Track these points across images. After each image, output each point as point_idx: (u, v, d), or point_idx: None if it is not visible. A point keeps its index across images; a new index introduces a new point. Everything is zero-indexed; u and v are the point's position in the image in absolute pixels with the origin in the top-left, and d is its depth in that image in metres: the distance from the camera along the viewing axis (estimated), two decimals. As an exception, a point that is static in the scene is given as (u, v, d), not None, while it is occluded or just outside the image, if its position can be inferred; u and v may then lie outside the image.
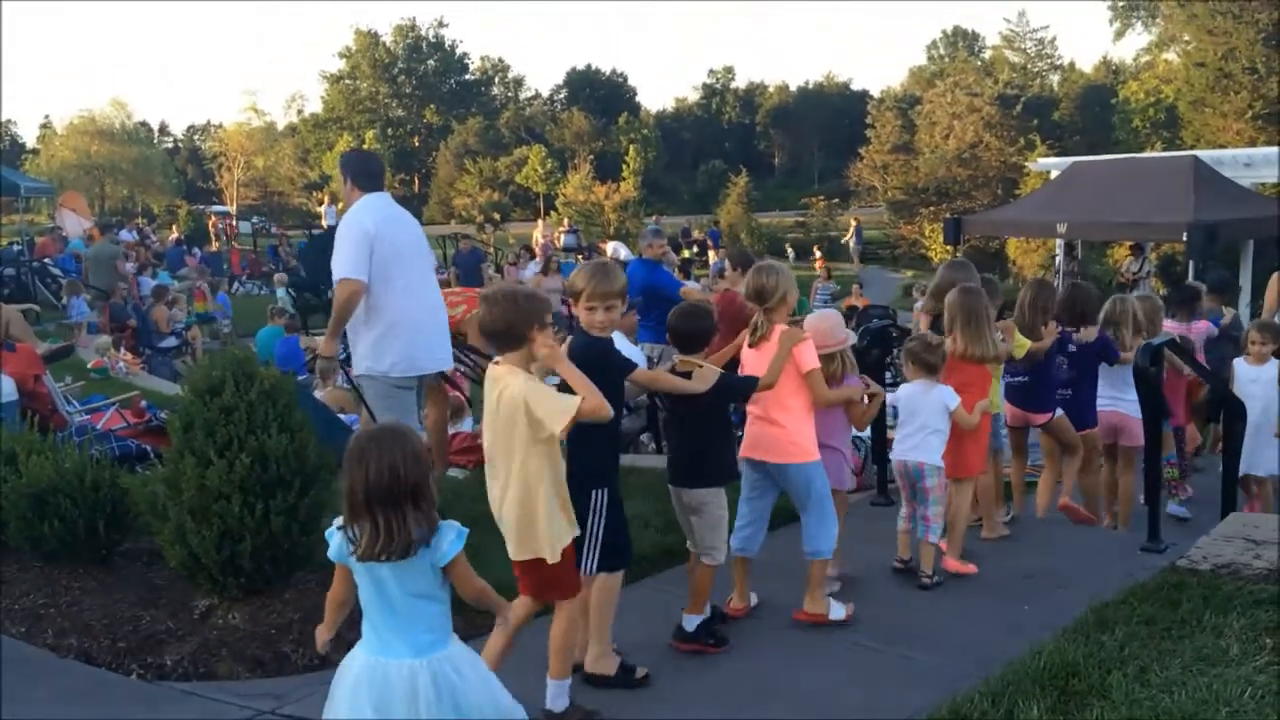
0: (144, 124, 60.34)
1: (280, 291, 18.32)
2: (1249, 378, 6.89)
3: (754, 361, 4.55)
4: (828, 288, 21.64)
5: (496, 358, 3.64)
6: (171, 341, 14.03)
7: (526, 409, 3.43)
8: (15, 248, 21.34)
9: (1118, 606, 4.33)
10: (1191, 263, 13.76)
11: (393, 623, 2.91)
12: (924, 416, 5.09)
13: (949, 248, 19.81)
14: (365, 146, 50.63)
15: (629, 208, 40.62)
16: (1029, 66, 55.08)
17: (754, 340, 4.57)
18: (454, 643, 2.99)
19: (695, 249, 32.43)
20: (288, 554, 4.60)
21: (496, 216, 45.13)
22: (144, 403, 8.14)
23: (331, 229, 15.10)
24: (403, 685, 2.87)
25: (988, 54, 58.57)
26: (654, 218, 34.08)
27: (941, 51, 64.13)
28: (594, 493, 3.85)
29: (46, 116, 67.99)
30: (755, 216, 42.45)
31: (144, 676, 4.22)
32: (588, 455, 3.84)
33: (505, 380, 3.53)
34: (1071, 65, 58.05)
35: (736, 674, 4.25)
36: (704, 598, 4.44)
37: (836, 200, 45.16)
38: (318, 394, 9.49)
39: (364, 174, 5.81)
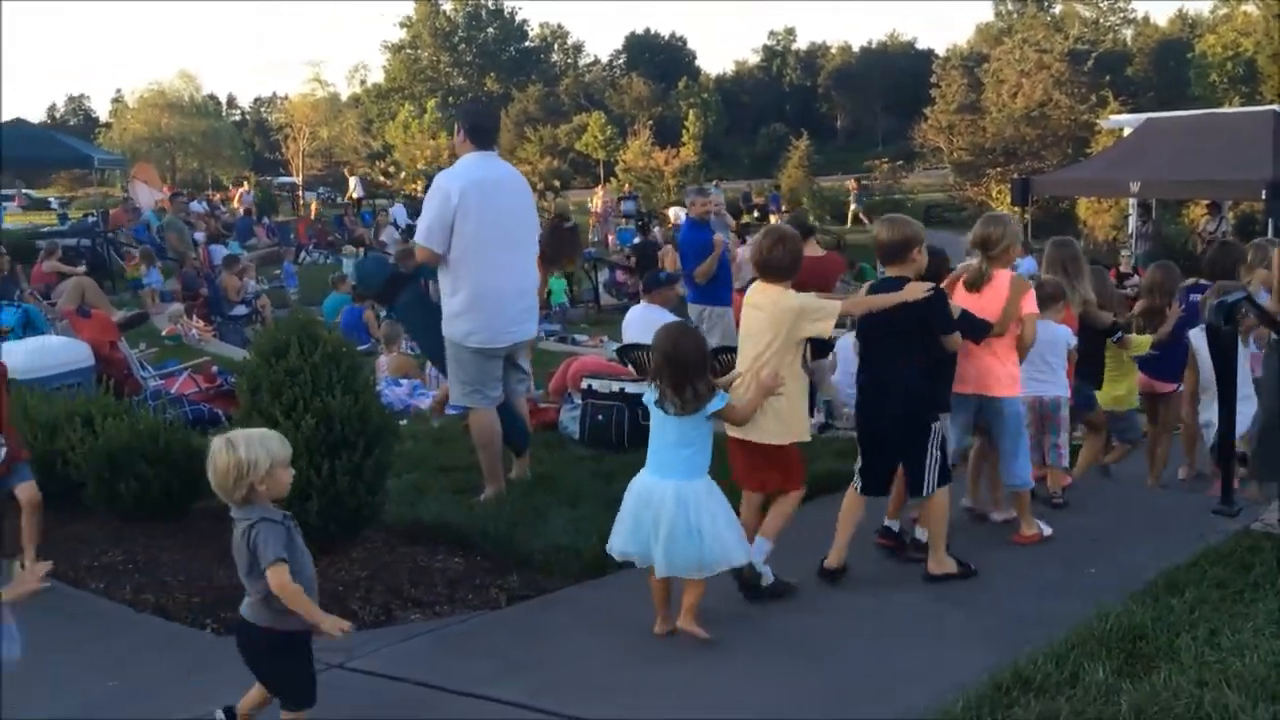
0: (212, 97, 61.42)
1: (346, 262, 18.49)
2: None
3: (973, 305, 4.86)
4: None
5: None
6: (241, 309, 14.30)
7: (800, 313, 4.37)
8: (90, 219, 21.91)
9: (1188, 569, 4.25)
10: (1271, 221, 13.33)
11: (666, 457, 4.11)
12: (1049, 353, 5.35)
13: (1016, 209, 19.40)
14: (427, 115, 50.93)
15: (689, 173, 40.33)
16: (1101, 21, 53.46)
17: (976, 285, 4.93)
18: (705, 478, 4.09)
19: (756, 213, 32.16)
20: (353, 513, 4.70)
21: (557, 184, 45.17)
22: (215, 368, 8.35)
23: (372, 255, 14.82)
24: (660, 496, 4.05)
25: (1058, 9, 56.84)
26: (714, 182, 33.85)
27: (1010, 7, 62.42)
28: (940, 419, 4.62)
29: (118, 90, 69.45)
30: (817, 180, 41.91)
31: (218, 630, 4.34)
32: (935, 386, 4.62)
33: (777, 293, 4.44)
34: (1145, 19, 56.40)
35: (798, 631, 4.25)
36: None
37: (900, 162, 44.34)
38: (381, 360, 9.64)
39: (476, 129, 5.62)
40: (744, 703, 3.69)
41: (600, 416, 6.86)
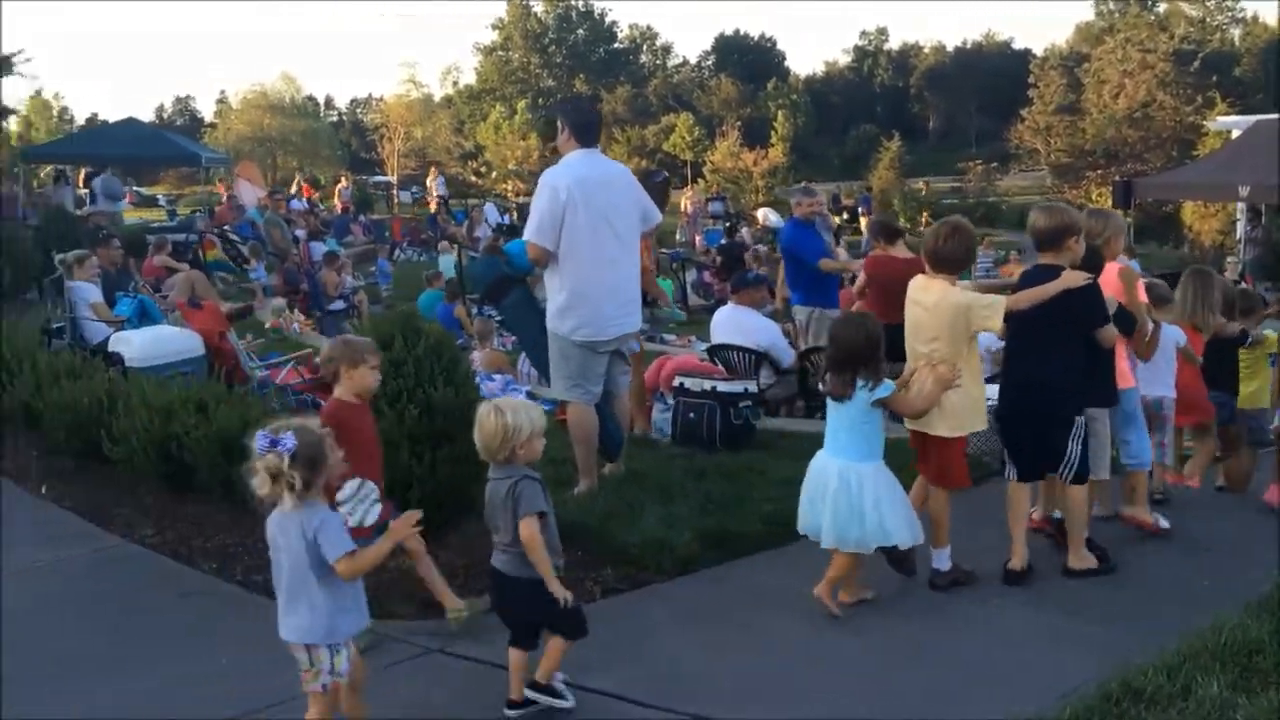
0: (311, 98, 62.98)
1: (443, 259, 18.72)
2: None
3: None
4: (988, 255, 20.83)
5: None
6: (339, 304, 14.65)
7: (967, 309, 4.44)
8: (197, 215, 22.68)
9: (1307, 583, 4.10)
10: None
11: (838, 439, 4.32)
12: (1157, 353, 5.31)
13: (1118, 212, 18.83)
14: (517, 116, 51.51)
15: (777, 174, 40.13)
16: (1208, 20, 51.63)
17: None
18: (875, 462, 4.28)
19: (845, 215, 31.79)
20: (454, 502, 4.79)
21: (644, 184, 45.28)
22: (317, 360, 8.56)
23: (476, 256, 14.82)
24: (828, 474, 4.30)
25: (1162, 8, 55.06)
26: (802, 184, 33.56)
27: (1111, 6, 60.69)
28: (1083, 413, 4.63)
29: (222, 91, 71.66)
30: (908, 181, 41.30)
31: (321, 612, 4.47)
32: (1084, 381, 4.62)
33: (941, 289, 4.54)
34: (1254, 18, 54.28)
35: (896, 634, 4.23)
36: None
37: (995, 164, 43.49)
38: (474, 355, 9.79)
39: (580, 126, 5.63)
40: (839, 703, 3.68)
41: (692, 415, 6.87)
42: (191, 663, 4.08)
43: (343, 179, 35.95)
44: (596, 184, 5.53)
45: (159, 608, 4.60)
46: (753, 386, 7.29)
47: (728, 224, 27.73)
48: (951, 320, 4.47)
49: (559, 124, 5.74)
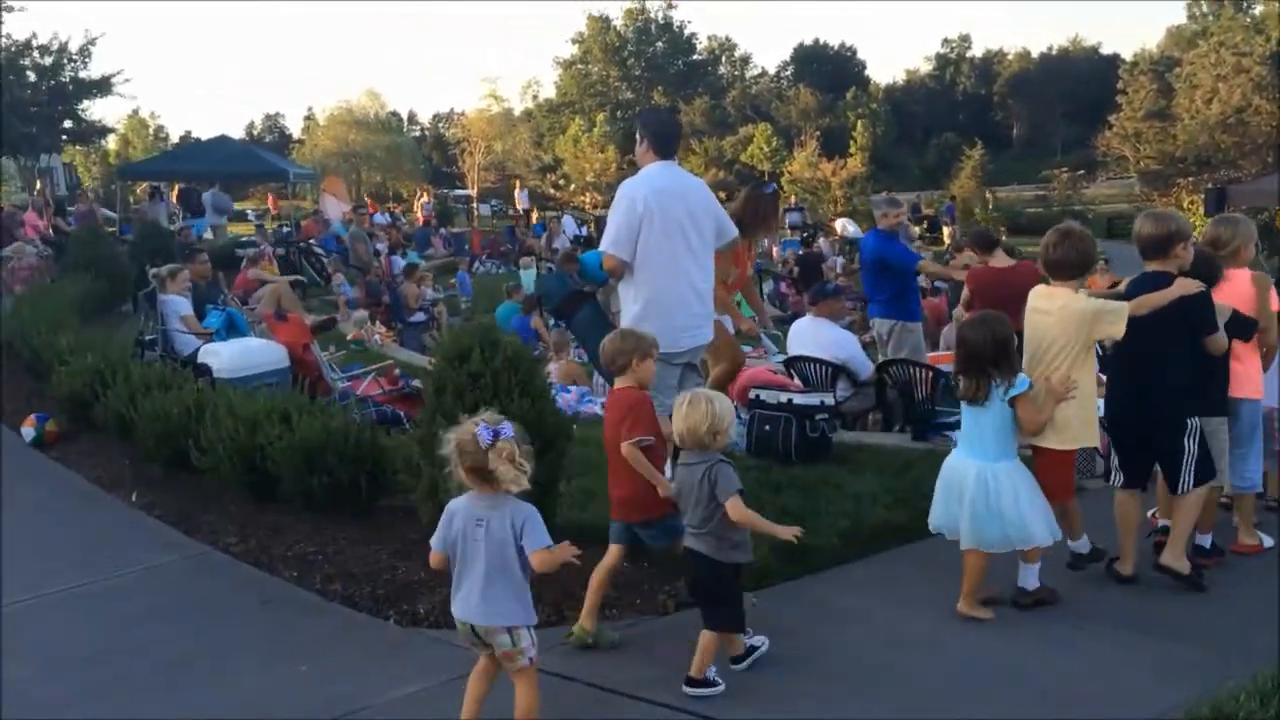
0: (395, 113, 64.28)
1: (523, 274, 18.92)
2: None
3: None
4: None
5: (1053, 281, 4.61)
6: (420, 316, 14.92)
7: (1096, 316, 4.43)
8: (285, 229, 23.29)
9: None
10: None
11: (972, 439, 4.38)
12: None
13: (1210, 220, 18.26)
14: (596, 129, 51.87)
15: (856, 184, 39.73)
16: (1308, 20, 49.78)
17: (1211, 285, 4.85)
18: (1010, 461, 4.32)
19: (925, 225, 31.36)
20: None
21: (722, 195, 45.23)
22: (397, 371, 8.73)
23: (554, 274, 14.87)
24: (964, 475, 4.34)
25: (1258, 9, 53.21)
26: (883, 194, 33.19)
27: (1204, 9, 58.87)
28: (1195, 417, 4.61)
29: (310, 109, 73.62)
30: (991, 190, 40.55)
31: (399, 622, 4.55)
32: (1196, 385, 4.61)
33: (1065, 296, 4.51)
34: (1360, 17, 52.06)
35: (978, 656, 4.14)
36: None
37: (1081, 172, 42.47)
38: (550, 367, 9.88)
39: (659, 137, 5.64)
40: (915, 723, 3.62)
41: (767, 427, 6.82)
42: (272, 670, 4.17)
43: (424, 193, 36.55)
44: (674, 196, 5.52)
45: (242, 615, 4.72)
46: (829, 399, 7.21)
47: (805, 235, 27.52)
48: (1077, 327, 4.46)
49: (638, 135, 5.76)
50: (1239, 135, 35.12)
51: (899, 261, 8.24)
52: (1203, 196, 20.29)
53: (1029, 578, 4.50)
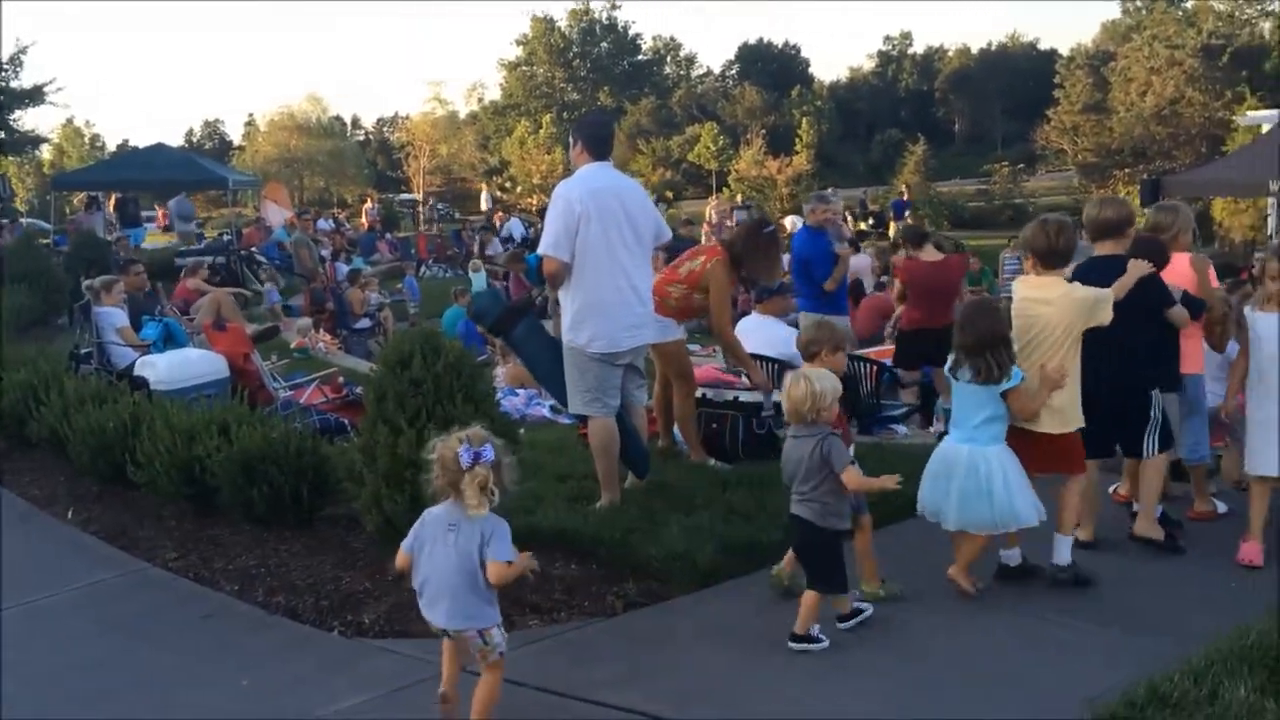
0: (338, 118, 63.57)
1: (475, 275, 18.72)
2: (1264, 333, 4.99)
3: None
4: (1016, 258, 20.62)
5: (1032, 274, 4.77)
6: (365, 323, 14.76)
7: (1095, 303, 4.53)
8: (225, 237, 22.93)
9: (1338, 586, 4.02)
10: None
11: (965, 423, 4.47)
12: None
13: (1146, 212, 18.64)
14: (542, 130, 51.72)
15: (802, 181, 39.98)
16: (1236, 14, 50.91)
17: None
18: (999, 446, 4.42)
19: (871, 221, 31.64)
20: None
21: (669, 195, 45.34)
22: (341, 379, 8.63)
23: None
24: (955, 458, 4.46)
25: (1190, 3, 54.47)
26: (829, 190, 33.40)
27: (1138, 4, 60.09)
28: (1157, 390, 4.93)
29: (250, 114, 72.45)
30: (934, 185, 41.06)
31: (344, 633, 4.49)
32: (1158, 360, 4.93)
33: (1063, 286, 4.61)
34: (1286, 10, 53.47)
35: (925, 642, 4.18)
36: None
37: (1021, 166, 43.13)
38: (498, 371, 9.82)
39: (593, 139, 5.66)
40: (862, 713, 3.64)
41: (714, 425, 6.84)
42: (214, 685, 4.10)
43: (369, 198, 36.21)
44: (610, 196, 5.53)
45: (182, 631, 4.63)
46: (775, 396, 7.24)
47: (751, 215, 27.62)
48: (1078, 314, 4.57)
49: (571, 139, 5.77)
50: (1173, 127, 35.94)
51: (817, 265, 8.33)
52: (1138, 188, 20.66)
53: (1064, 552, 4.61)
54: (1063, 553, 4.59)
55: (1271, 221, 16.92)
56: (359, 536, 5.24)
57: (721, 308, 6.41)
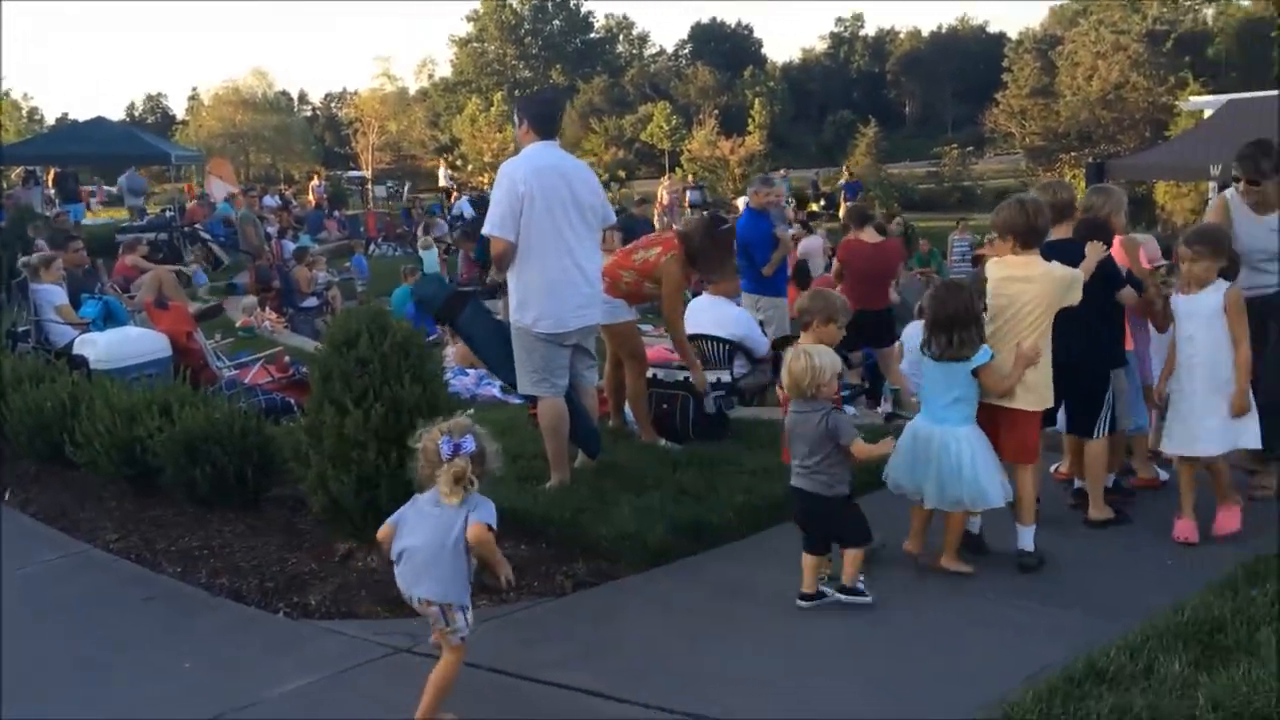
0: (284, 93, 62.57)
1: (426, 253, 18.54)
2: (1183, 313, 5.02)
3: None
4: (965, 239, 20.80)
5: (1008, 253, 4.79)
6: (312, 301, 14.57)
7: (1072, 281, 4.63)
8: (168, 214, 22.48)
9: (1270, 561, 4.12)
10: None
11: (937, 403, 4.53)
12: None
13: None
14: (494, 108, 51.25)
15: (754, 162, 40.10)
16: (1181, 0, 51.87)
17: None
18: (971, 425, 4.50)
19: (823, 202, 31.83)
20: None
21: (622, 174, 45.23)
22: (287, 358, 8.51)
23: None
24: (929, 438, 4.52)
25: (1136, -12, 55.35)
26: (780, 171, 33.54)
27: (1085, -12, 60.98)
28: (1112, 369, 5.06)
29: (194, 88, 71.00)
30: (885, 167, 41.37)
31: (290, 614, 4.44)
32: (1111, 340, 5.06)
33: (1041, 264, 4.69)
34: (1228, -3, 54.45)
35: (872, 622, 4.22)
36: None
37: (970, 148, 43.59)
38: (448, 350, 9.75)
39: (539, 117, 5.62)
40: (811, 692, 3.67)
41: (665, 405, 6.84)
42: (155, 668, 4.03)
43: (316, 175, 35.70)
44: (555, 175, 5.49)
45: (123, 613, 4.55)
46: (726, 376, 7.26)
47: (705, 212, 27.66)
48: (1057, 293, 4.64)
49: (516, 118, 5.72)
50: (1118, 111, 36.48)
51: (757, 249, 8.42)
52: (1084, 171, 20.97)
53: (1028, 539, 4.67)
54: (1027, 541, 4.64)
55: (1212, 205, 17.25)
56: (304, 517, 5.18)
57: (674, 303, 6.42)
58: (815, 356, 4.20)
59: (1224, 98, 18.80)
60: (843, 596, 4.28)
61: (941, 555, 4.61)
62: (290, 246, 17.93)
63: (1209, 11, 52.39)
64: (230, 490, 5.33)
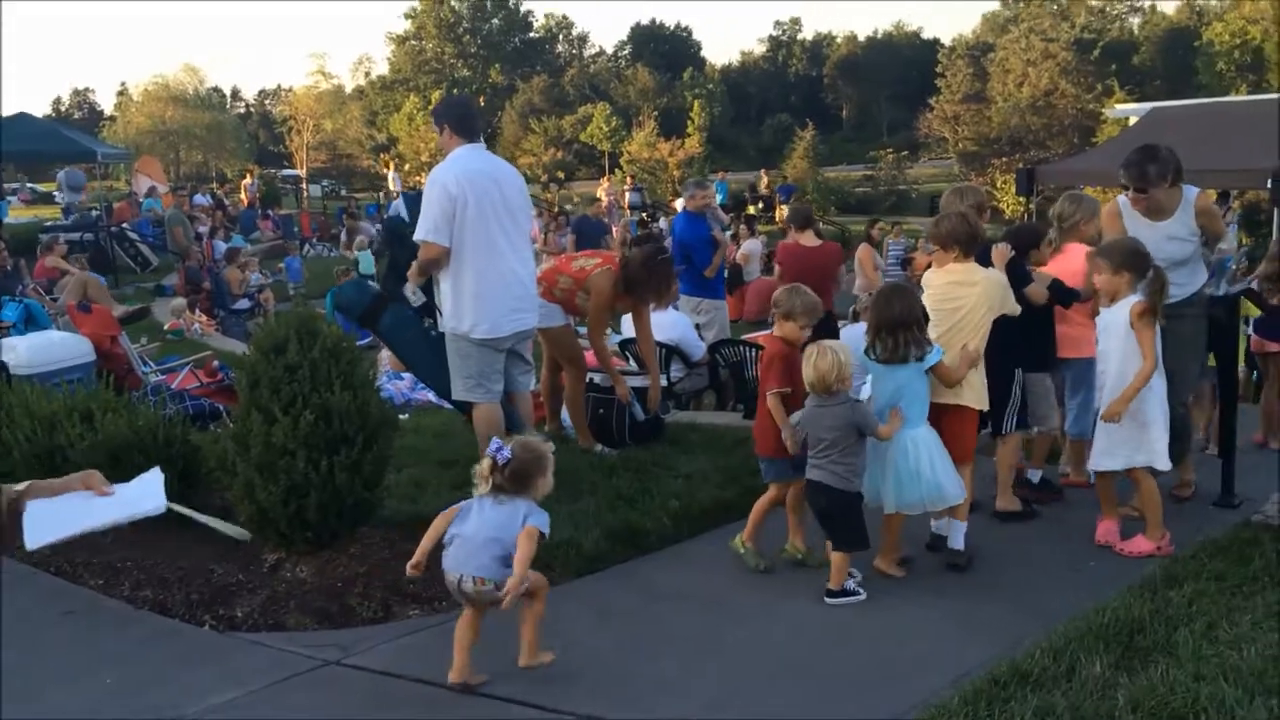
0: (216, 89, 61.38)
1: (362, 254, 18.29)
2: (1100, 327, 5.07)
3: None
4: (899, 243, 21.03)
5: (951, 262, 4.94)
6: (244, 303, 14.32)
7: (1008, 287, 4.85)
8: (94, 213, 21.93)
9: (1187, 562, 4.24)
10: (1276, 210, 13.27)
11: (887, 407, 4.54)
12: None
13: (1021, 199, 19.30)
14: (431, 108, 50.75)
15: (694, 164, 40.26)
16: (1107, 9, 53.09)
17: (1049, 255, 5.54)
18: (924, 427, 4.55)
19: (761, 205, 32.07)
20: (352, 509, 4.69)
21: (561, 175, 45.13)
22: (216, 363, 8.35)
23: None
24: (884, 443, 4.51)
25: (1064, -2, 56.64)
26: (719, 174, 33.72)
27: (1016, -4, 62.22)
28: (1020, 369, 5.21)
29: (123, 84, 69.26)
30: (822, 171, 41.81)
31: (216, 627, 4.35)
32: (1028, 342, 5.17)
33: (982, 270, 4.89)
34: (1153, 7, 55.92)
35: (803, 625, 4.25)
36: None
37: (905, 153, 44.25)
38: (383, 354, 9.64)
39: (460, 120, 5.59)
40: (743, 697, 3.69)
41: (601, 410, 6.84)
42: (75, 684, 3.92)
43: (249, 173, 35.09)
44: (487, 178, 5.46)
45: (41, 629, 4.43)
46: (662, 380, 7.28)
47: (645, 214, 27.73)
48: (998, 297, 4.84)
49: (437, 126, 5.68)
50: (1047, 117, 37.36)
51: (696, 251, 8.47)
52: (1014, 176, 21.38)
53: (959, 538, 4.80)
54: (958, 540, 4.75)
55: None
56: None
57: (598, 317, 6.46)
58: (841, 352, 4.37)
59: (1148, 105, 19.30)
60: (830, 600, 4.38)
61: (877, 556, 4.66)
62: (222, 246, 17.60)
63: (1135, 21, 53.87)
64: (155, 500, 5.20)
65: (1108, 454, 4.82)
